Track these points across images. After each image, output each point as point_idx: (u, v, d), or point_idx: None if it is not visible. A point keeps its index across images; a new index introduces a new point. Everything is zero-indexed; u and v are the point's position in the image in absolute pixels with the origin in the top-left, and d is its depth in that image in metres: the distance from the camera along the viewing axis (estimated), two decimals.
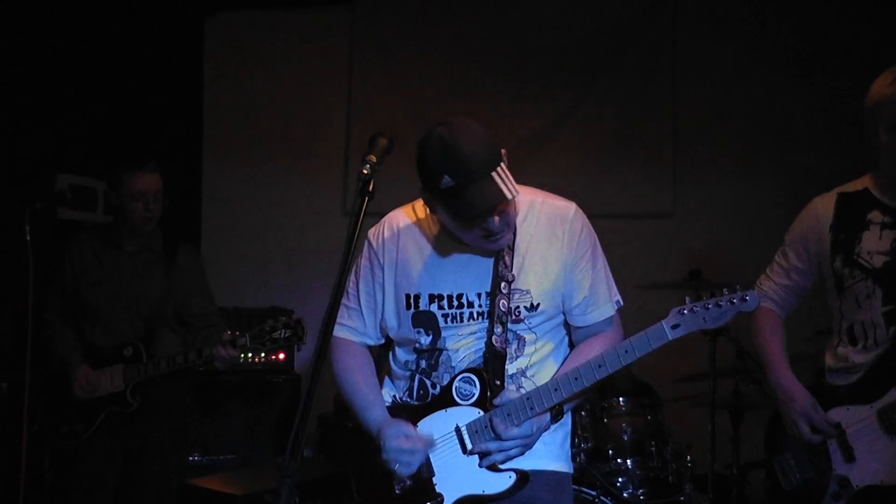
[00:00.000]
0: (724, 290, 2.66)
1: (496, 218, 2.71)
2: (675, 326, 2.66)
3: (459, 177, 2.60)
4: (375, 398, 3.05)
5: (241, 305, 6.48)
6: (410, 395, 3.05)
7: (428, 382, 3.01)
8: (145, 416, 4.78)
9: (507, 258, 2.88)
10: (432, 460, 2.89)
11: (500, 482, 2.82)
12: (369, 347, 3.20)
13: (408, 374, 3.07)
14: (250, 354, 6.35)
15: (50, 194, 5.98)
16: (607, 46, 7.24)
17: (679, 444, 5.17)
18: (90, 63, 6.48)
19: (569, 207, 2.98)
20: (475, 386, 2.88)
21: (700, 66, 7.21)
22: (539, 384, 2.90)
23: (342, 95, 7.54)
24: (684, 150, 7.11)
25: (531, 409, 2.79)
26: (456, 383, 2.90)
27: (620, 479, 4.95)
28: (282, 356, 6.42)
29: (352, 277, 3.12)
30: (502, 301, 2.87)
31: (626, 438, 5.00)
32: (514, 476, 2.82)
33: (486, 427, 2.82)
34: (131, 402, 4.70)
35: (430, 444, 2.87)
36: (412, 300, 2.97)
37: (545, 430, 2.88)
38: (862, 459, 3.30)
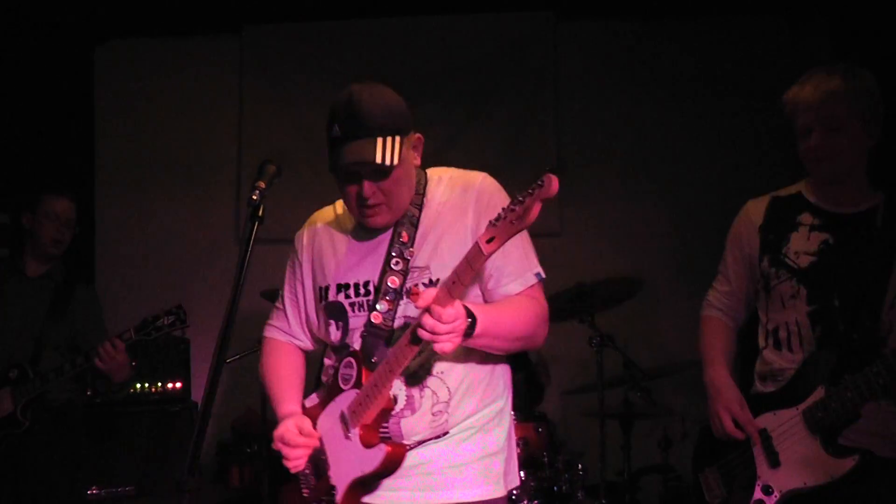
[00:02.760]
0: (525, 189, 2.48)
1: (366, 183, 2.76)
2: (490, 240, 2.48)
3: (346, 128, 2.71)
4: (288, 393, 3.06)
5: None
6: None
7: None
8: (37, 438, 4.73)
9: (404, 234, 2.86)
10: (329, 454, 2.87)
11: (374, 459, 2.74)
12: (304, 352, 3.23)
13: (330, 376, 3.00)
14: (147, 384, 6.31)
15: None
16: (491, 71, 7.37)
17: (571, 453, 5.31)
18: None
19: (478, 176, 2.96)
20: (353, 368, 2.83)
21: (582, 88, 7.37)
22: (447, 381, 2.84)
23: (233, 122, 7.54)
24: (569, 170, 7.26)
25: (390, 371, 2.69)
26: (340, 370, 2.86)
27: (515, 492, 5.02)
28: (178, 384, 6.38)
29: (285, 279, 3.19)
30: (391, 278, 2.83)
31: (518, 451, 5.10)
32: (383, 449, 2.73)
33: (360, 405, 2.75)
34: (22, 422, 4.66)
35: (312, 440, 2.87)
36: (323, 292, 2.98)
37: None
38: (786, 464, 3.23)
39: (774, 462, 3.26)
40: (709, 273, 3.76)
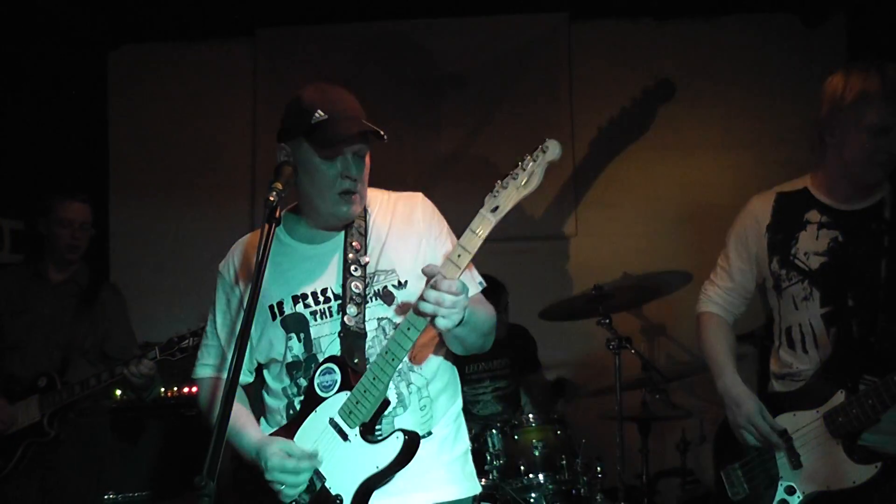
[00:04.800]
0: (526, 154, 2.61)
1: (354, 161, 2.80)
2: (494, 209, 2.59)
3: (334, 112, 2.76)
4: (247, 421, 2.96)
5: (152, 340, 6.40)
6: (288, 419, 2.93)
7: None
8: (64, 447, 4.76)
9: (355, 243, 2.90)
10: (320, 466, 2.77)
11: (390, 449, 2.70)
12: (244, 388, 3.11)
13: (284, 402, 2.94)
14: (163, 389, 6.29)
15: None
16: (505, 73, 7.36)
17: (589, 456, 5.28)
18: None
19: (417, 194, 3.08)
20: (335, 373, 2.79)
21: (597, 89, 7.34)
22: (425, 374, 2.90)
23: (247, 126, 7.54)
24: (584, 172, 7.26)
25: (392, 359, 2.68)
26: (316, 380, 2.81)
27: (533, 495, 5.02)
28: (195, 389, 6.35)
29: (209, 318, 3.12)
30: (354, 283, 2.85)
31: (536, 454, 5.07)
32: (401, 436, 2.71)
33: (357, 404, 2.71)
34: (48, 431, 4.68)
35: (313, 458, 2.75)
36: (276, 308, 2.92)
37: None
38: (808, 466, 3.22)
39: (796, 463, 3.26)
40: None
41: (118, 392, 5.82)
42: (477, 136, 7.34)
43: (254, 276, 2.54)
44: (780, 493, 3.27)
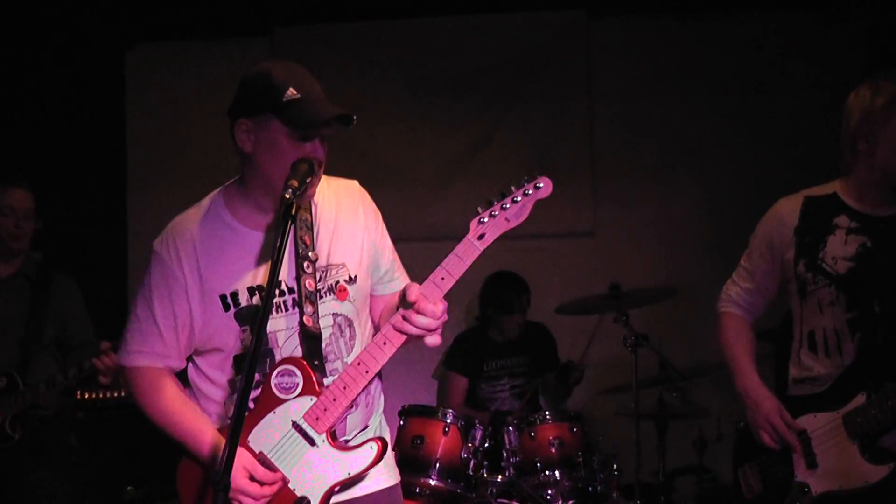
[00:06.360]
0: (512, 187, 2.64)
1: (321, 145, 2.76)
2: (480, 237, 2.62)
3: (306, 92, 2.72)
4: (205, 422, 2.83)
5: None
6: None
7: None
8: (29, 450, 4.53)
9: (305, 238, 2.82)
10: (281, 468, 2.70)
11: (364, 457, 2.70)
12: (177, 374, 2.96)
13: (229, 394, 2.86)
14: None
15: None
16: (523, 70, 7.36)
17: (605, 454, 5.28)
18: (8, 97, 6.44)
19: (353, 183, 3.06)
20: (296, 375, 2.72)
21: (615, 86, 7.33)
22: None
23: None
24: (603, 169, 7.24)
25: (366, 372, 2.68)
26: (274, 380, 2.73)
27: (550, 492, 5.03)
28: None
29: (139, 300, 2.91)
30: (307, 280, 2.78)
31: (553, 451, 5.07)
32: (375, 447, 2.71)
33: (325, 410, 2.67)
34: (11, 435, 4.45)
35: (281, 481, 2.69)
36: (230, 299, 2.81)
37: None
38: (823, 465, 3.24)
39: (812, 463, 3.28)
40: None
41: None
42: (495, 134, 7.33)
43: (270, 268, 2.50)
44: (793, 492, 3.29)
